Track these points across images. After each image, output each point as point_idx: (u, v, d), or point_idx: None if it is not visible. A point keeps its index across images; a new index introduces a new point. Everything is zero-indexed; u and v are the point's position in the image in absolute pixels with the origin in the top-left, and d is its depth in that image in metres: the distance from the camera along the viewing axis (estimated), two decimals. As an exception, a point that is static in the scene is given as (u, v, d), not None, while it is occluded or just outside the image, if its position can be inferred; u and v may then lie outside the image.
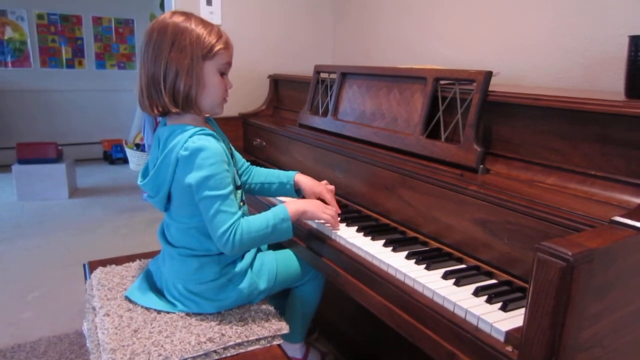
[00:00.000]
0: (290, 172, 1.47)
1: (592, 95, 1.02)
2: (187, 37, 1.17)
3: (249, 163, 1.51)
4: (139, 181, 1.27)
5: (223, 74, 1.24)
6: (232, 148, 1.43)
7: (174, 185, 1.21)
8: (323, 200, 1.38)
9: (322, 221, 1.30)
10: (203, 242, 1.24)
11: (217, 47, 1.19)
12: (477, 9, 1.81)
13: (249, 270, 1.29)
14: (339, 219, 1.31)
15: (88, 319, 1.31)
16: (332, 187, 1.43)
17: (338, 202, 1.49)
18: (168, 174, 1.19)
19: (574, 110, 1.00)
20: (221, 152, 1.17)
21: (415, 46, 2.13)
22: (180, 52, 1.16)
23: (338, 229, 1.27)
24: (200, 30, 1.18)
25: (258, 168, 1.51)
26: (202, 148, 1.14)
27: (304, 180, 1.44)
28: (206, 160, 1.14)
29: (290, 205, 1.26)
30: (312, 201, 1.34)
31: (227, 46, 1.23)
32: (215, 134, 1.22)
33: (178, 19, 1.19)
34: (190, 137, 1.16)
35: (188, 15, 1.21)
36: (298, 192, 1.46)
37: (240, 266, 1.27)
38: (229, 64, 1.26)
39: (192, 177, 1.14)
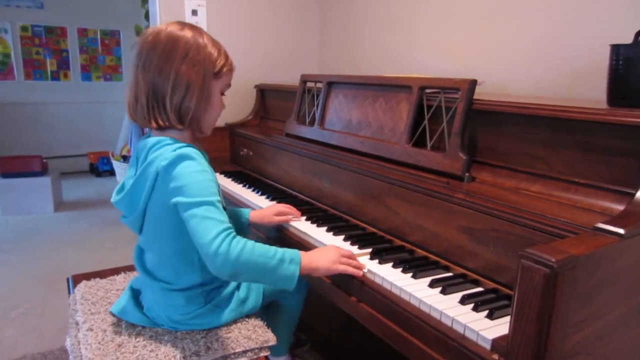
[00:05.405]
0: (244, 211, 1.47)
1: (575, 104, 1.03)
2: (200, 52, 1.11)
3: None
4: (113, 198, 1.16)
5: (222, 94, 1.21)
6: None
7: (150, 204, 1.11)
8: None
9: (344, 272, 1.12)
10: (182, 273, 1.15)
11: (226, 69, 1.16)
12: (462, 20, 1.84)
13: (236, 292, 1.24)
14: (354, 254, 1.16)
15: (71, 334, 1.28)
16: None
17: (325, 211, 1.48)
18: (145, 190, 1.08)
19: (559, 119, 1.01)
20: (205, 163, 1.10)
21: (400, 56, 2.15)
22: (193, 66, 1.10)
23: (360, 274, 1.09)
24: (211, 48, 1.14)
25: None
26: (184, 156, 1.05)
27: (253, 214, 1.45)
28: (187, 168, 1.05)
29: (305, 256, 1.09)
30: (326, 254, 1.12)
31: (232, 68, 1.20)
32: (201, 151, 1.17)
33: (189, 33, 1.12)
34: (175, 150, 1.07)
35: (200, 31, 1.15)
36: (250, 226, 1.47)
37: (226, 290, 1.22)
38: (229, 85, 1.22)
39: (172, 189, 1.05)
